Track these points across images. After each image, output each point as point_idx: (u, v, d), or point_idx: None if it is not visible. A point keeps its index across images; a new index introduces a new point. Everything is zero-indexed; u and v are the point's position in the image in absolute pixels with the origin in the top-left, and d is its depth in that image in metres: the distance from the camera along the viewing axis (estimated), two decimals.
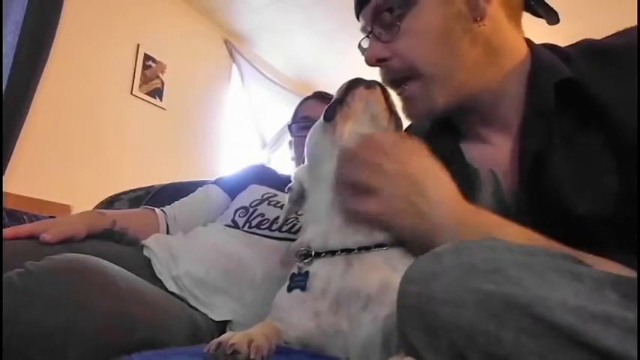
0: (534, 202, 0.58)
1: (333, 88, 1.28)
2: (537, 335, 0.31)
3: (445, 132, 0.71)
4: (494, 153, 0.64)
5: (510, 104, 0.63)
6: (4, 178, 1.89)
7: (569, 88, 0.56)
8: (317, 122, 0.73)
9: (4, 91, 1.90)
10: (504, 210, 0.60)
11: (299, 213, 0.99)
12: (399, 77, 0.66)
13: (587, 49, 0.60)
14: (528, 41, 0.66)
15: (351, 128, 0.66)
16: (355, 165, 0.60)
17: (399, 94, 0.68)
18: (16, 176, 1.98)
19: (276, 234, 0.95)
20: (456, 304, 0.34)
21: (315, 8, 2.99)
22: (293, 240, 0.93)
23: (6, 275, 0.56)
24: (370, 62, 0.67)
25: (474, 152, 0.67)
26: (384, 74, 0.68)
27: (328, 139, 0.67)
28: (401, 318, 0.38)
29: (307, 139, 0.74)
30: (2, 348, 0.49)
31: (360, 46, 0.73)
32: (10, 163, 1.96)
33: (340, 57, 3.55)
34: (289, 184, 0.77)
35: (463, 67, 0.62)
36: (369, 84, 0.69)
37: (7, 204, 1.73)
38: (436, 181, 0.56)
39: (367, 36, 0.69)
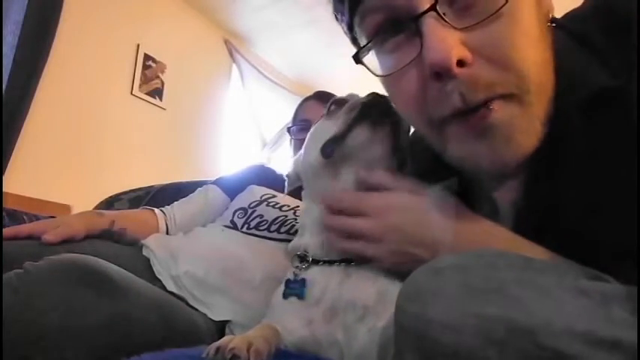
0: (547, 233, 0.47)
1: (333, 88, 1.28)
2: None
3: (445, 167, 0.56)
4: (515, 183, 0.51)
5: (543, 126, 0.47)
6: (4, 178, 1.89)
7: (600, 102, 0.43)
8: (317, 134, 0.67)
9: (4, 91, 1.89)
10: None
11: (297, 214, 1.00)
12: (478, 100, 0.43)
13: (605, 19, 0.44)
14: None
15: (349, 168, 0.61)
16: (348, 229, 0.56)
17: (474, 122, 0.44)
18: (16, 176, 1.98)
19: (275, 235, 0.95)
20: (455, 329, 0.32)
21: (315, 8, 2.98)
22: (291, 241, 0.93)
23: (5, 276, 0.56)
24: (444, 65, 0.41)
25: (496, 186, 0.53)
26: (452, 95, 0.43)
27: (324, 171, 0.64)
28: (398, 336, 0.37)
29: (307, 141, 0.70)
30: (2, 348, 0.49)
31: (358, 55, 0.51)
32: (10, 163, 1.96)
33: (340, 57, 3.55)
34: (287, 172, 0.76)
35: (549, 82, 0.44)
36: (379, 117, 0.59)
37: (7, 204, 1.73)
38: (429, 225, 0.51)
39: (426, 12, 0.42)
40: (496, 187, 0.53)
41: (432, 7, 0.42)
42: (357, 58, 0.51)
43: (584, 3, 0.49)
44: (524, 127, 0.44)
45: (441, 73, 0.42)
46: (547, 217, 0.47)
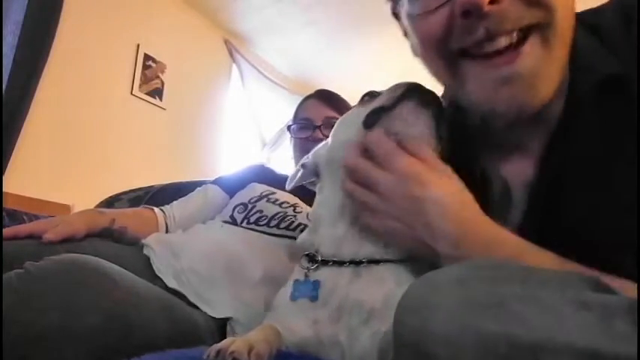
0: (549, 226, 0.49)
1: (333, 88, 1.28)
2: None
3: (472, 149, 0.60)
4: (525, 163, 0.54)
5: (555, 101, 0.50)
6: (4, 178, 1.89)
7: (612, 87, 0.46)
8: (351, 116, 0.66)
9: (4, 91, 1.89)
10: (530, 227, 0.53)
11: (297, 210, 1.00)
12: (513, 27, 0.45)
13: (624, 11, 0.48)
14: None
15: None
16: (354, 181, 0.57)
17: (502, 64, 0.46)
18: (16, 176, 1.98)
19: (275, 230, 0.96)
20: (455, 345, 0.32)
21: (315, 8, 2.99)
22: (291, 237, 0.93)
23: (6, 275, 0.56)
24: (477, 2, 0.44)
25: (508, 165, 0.56)
26: (479, 31, 0.46)
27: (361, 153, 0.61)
28: (397, 349, 0.36)
29: (336, 126, 0.69)
30: (2, 348, 0.49)
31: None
32: (10, 163, 1.96)
33: (340, 57, 3.55)
34: (305, 161, 0.73)
35: (569, 34, 0.47)
36: (425, 99, 0.59)
37: (7, 204, 1.73)
38: (437, 204, 0.49)
39: None
40: (506, 166, 0.54)
41: None
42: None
43: (605, 3, 0.52)
44: (546, 73, 0.46)
45: (470, 11, 0.44)
46: (559, 196, 0.48)
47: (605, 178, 0.45)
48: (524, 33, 0.46)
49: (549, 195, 0.49)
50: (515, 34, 0.46)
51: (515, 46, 0.45)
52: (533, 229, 0.50)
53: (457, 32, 0.47)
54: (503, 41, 0.46)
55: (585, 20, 0.49)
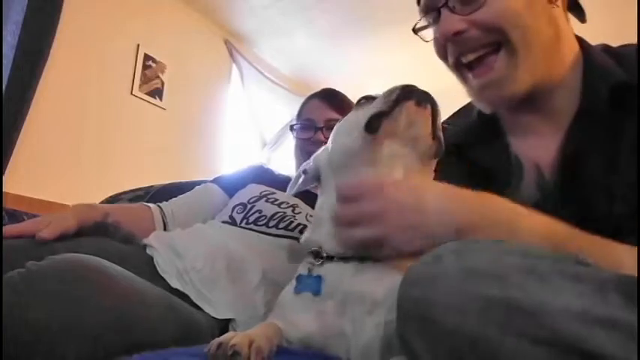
0: (567, 195, 0.59)
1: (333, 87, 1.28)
2: (540, 341, 0.30)
3: (488, 130, 0.72)
4: (540, 145, 0.65)
5: (565, 97, 0.64)
6: (4, 178, 1.89)
7: (622, 91, 0.58)
8: (351, 120, 0.67)
9: (4, 91, 1.89)
10: (546, 201, 0.61)
11: (296, 211, 1.00)
12: (476, 46, 0.64)
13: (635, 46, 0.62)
14: (579, 39, 0.68)
15: (391, 147, 0.61)
16: (354, 215, 0.57)
17: (479, 75, 0.65)
18: (16, 176, 1.98)
19: (273, 230, 0.96)
20: (458, 311, 0.33)
21: (315, 8, 2.99)
22: (290, 237, 0.93)
23: (8, 275, 0.56)
24: (446, 36, 0.65)
25: (520, 146, 0.68)
26: (457, 49, 0.66)
27: (365, 150, 0.62)
28: (401, 322, 0.38)
29: (336, 131, 0.70)
30: (2, 348, 0.49)
31: (415, 29, 0.73)
32: (10, 163, 1.96)
33: (340, 57, 3.55)
34: (305, 166, 0.74)
35: (541, 45, 0.62)
36: (421, 99, 0.62)
37: (7, 204, 1.73)
38: (441, 216, 0.52)
39: (441, 7, 0.66)
40: (519, 146, 0.68)
41: (445, 3, 0.65)
42: (414, 30, 0.75)
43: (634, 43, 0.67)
44: (516, 75, 0.62)
45: (445, 39, 0.66)
46: (573, 173, 0.60)
47: (615, 160, 0.57)
48: (496, 47, 0.63)
49: (566, 172, 0.61)
50: (482, 51, 0.64)
51: (489, 58, 0.64)
52: (547, 200, 0.59)
53: (448, 52, 0.68)
54: (471, 56, 0.65)
55: (611, 49, 0.66)
